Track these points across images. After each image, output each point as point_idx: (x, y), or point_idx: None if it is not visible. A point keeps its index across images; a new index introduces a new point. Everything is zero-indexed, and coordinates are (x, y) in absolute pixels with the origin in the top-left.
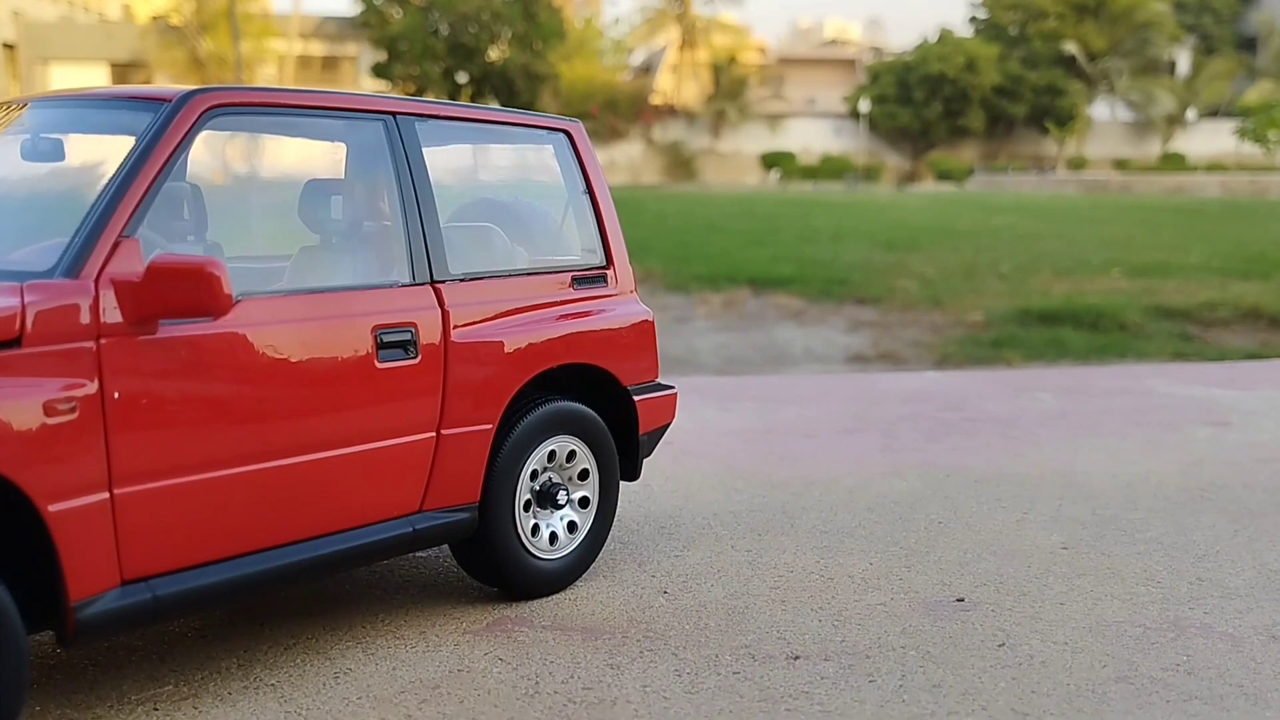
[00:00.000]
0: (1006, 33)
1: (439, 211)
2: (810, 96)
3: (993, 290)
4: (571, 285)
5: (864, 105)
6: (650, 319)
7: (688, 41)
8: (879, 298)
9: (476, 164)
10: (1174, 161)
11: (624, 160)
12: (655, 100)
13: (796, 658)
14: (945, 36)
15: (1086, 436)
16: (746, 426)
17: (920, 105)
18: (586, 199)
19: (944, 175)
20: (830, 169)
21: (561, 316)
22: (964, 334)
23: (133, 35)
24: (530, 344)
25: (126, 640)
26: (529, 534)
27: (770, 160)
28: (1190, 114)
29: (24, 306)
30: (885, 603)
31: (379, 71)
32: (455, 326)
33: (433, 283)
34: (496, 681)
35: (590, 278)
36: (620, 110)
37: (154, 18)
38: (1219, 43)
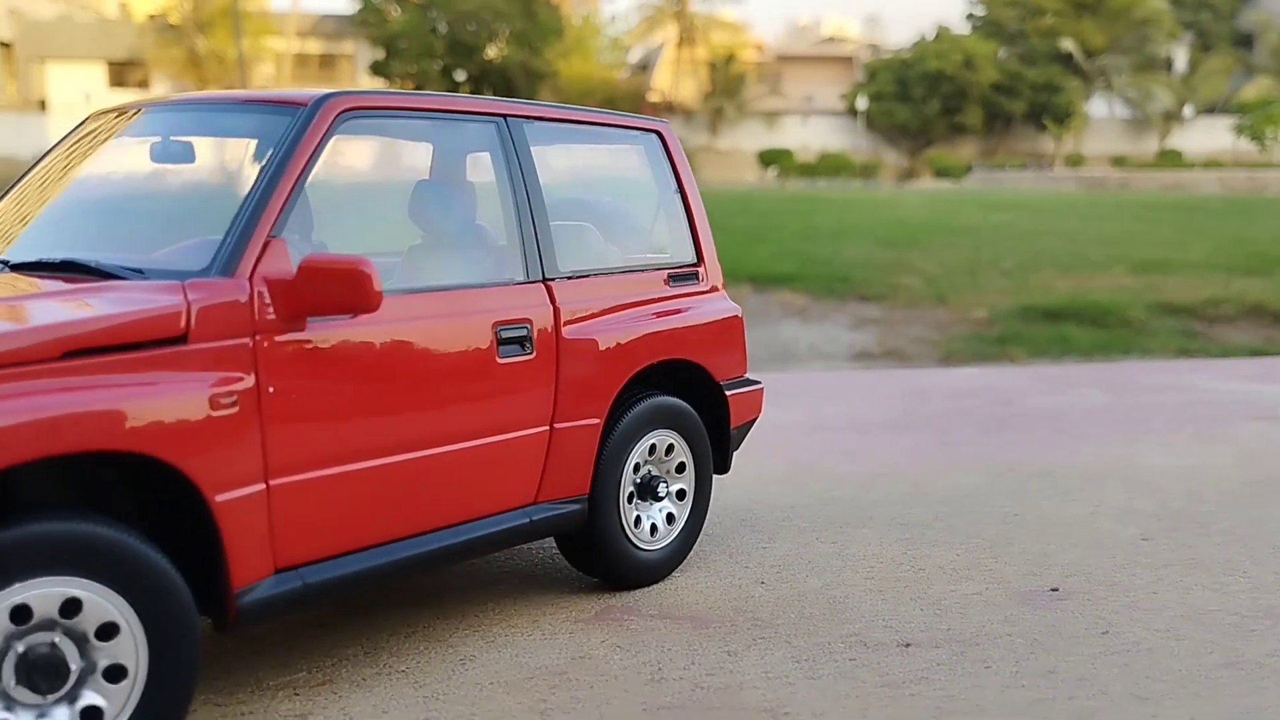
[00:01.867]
0: (1004, 30)
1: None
2: (808, 94)
3: (996, 287)
4: (667, 282)
5: (862, 103)
6: (739, 315)
7: (685, 39)
8: (882, 295)
9: (575, 164)
10: (1171, 158)
11: None
12: (653, 98)
13: (908, 645)
14: (943, 34)
15: (1138, 431)
16: (795, 422)
17: (918, 103)
18: (677, 197)
19: (942, 172)
20: (828, 166)
21: (660, 313)
22: (969, 331)
23: (130, 33)
24: (634, 340)
25: (248, 631)
26: (632, 525)
27: (768, 158)
28: (1187, 111)
29: (189, 304)
30: (980, 592)
31: (377, 69)
32: (566, 323)
33: (544, 280)
34: (620, 668)
35: (684, 275)
36: (618, 108)
37: (151, 16)
38: (1216, 39)
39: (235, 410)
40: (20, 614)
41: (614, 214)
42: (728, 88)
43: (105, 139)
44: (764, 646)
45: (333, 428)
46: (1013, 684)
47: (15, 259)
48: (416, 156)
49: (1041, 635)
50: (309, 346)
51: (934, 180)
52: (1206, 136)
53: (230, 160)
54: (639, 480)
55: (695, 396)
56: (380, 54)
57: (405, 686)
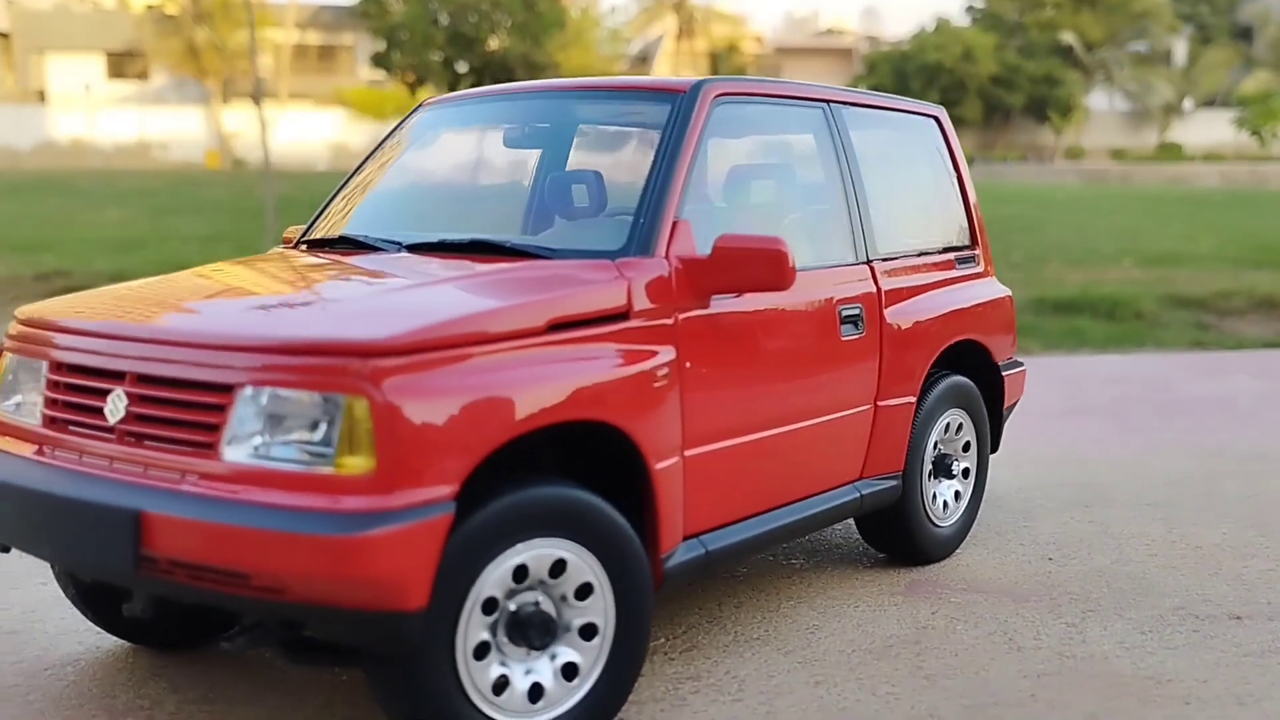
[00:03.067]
0: (1003, 22)
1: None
2: None
3: (1006, 279)
4: (954, 265)
5: None
6: (1011, 296)
7: (685, 30)
8: None
9: (878, 148)
10: (1171, 151)
11: None
12: None
13: (1239, 618)
14: (942, 26)
15: None
16: None
17: (917, 95)
18: (955, 181)
19: None
20: None
21: (955, 295)
22: None
23: (128, 24)
24: (940, 320)
25: None
26: (930, 502)
27: None
28: (1187, 104)
29: (629, 282)
30: (1274, 569)
31: (378, 61)
32: (886, 305)
33: (868, 261)
34: (970, 638)
35: (966, 257)
36: None
37: (149, 6)
38: (1215, 32)
39: (666, 384)
40: (519, 573)
41: (909, 197)
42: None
43: (446, 127)
44: (1098, 619)
45: (728, 402)
46: None
47: (407, 240)
48: (771, 140)
49: None
50: (713, 323)
51: None
52: (1206, 130)
53: (601, 146)
54: (935, 458)
55: (977, 376)
56: (381, 45)
57: (770, 651)
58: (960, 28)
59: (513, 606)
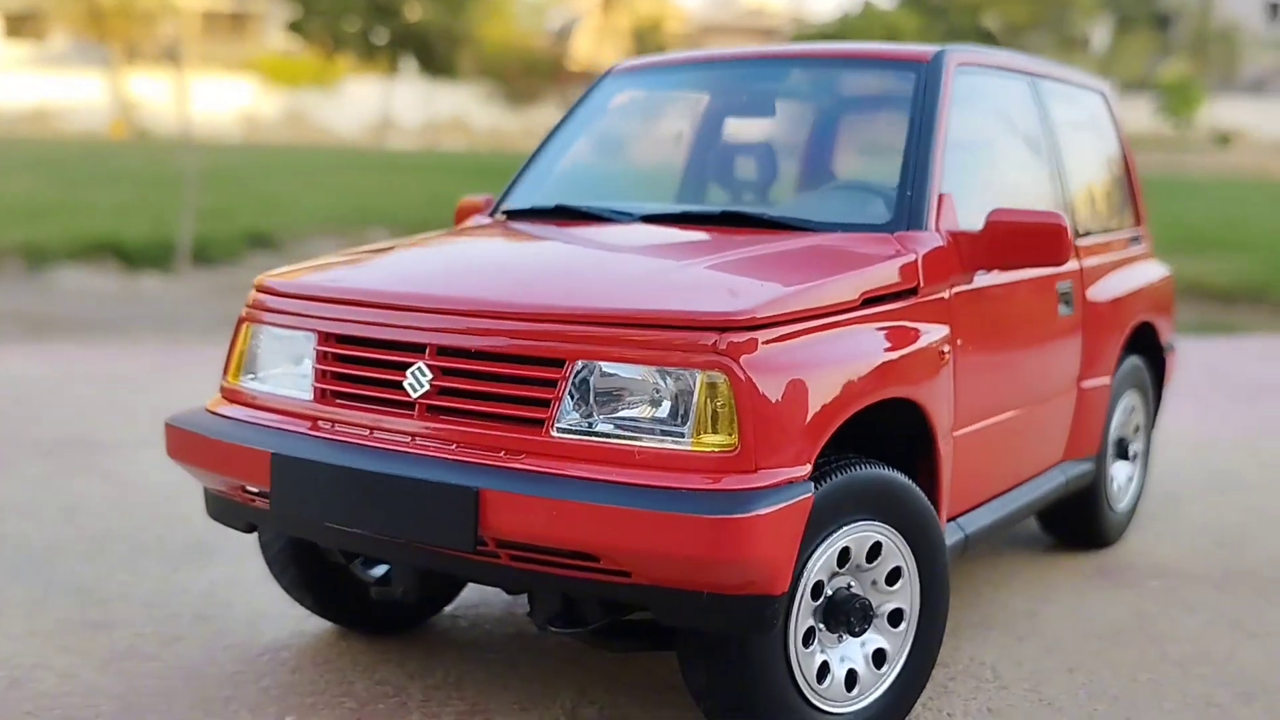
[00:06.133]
0: (928, 5)
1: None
2: None
3: None
4: (1128, 244)
5: None
6: (1172, 277)
7: (608, 5)
8: None
9: (1069, 124)
10: None
11: (543, 126)
12: (574, 66)
13: None
14: (867, 8)
15: None
16: None
17: None
18: (1122, 158)
19: None
20: None
21: (1135, 275)
22: None
23: None
24: (1128, 300)
25: None
26: (1108, 485)
27: None
28: None
29: (917, 256)
30: None
31: (295, 28)
32: (1086, 284)
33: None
34: (1198, 625)
35: (1135, 237)
36: (537, 75)
37: None
38: (1135, 20)
39: (947, 361)
40: (842, 557)
41: (1093, 173)
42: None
43: (642, 92)
44: None
45: (986, 381)
46: None
47: (638, 211)
48: (995, 112)
49: None
50: (977, 300)
51: None
52: (1126, 116)
53: (834, 115)
54: (1117, 439)
55: (1146, 358)
56: (296, 13)
57: (1002, 637)
58: (885, 10)
59: (830, 591)
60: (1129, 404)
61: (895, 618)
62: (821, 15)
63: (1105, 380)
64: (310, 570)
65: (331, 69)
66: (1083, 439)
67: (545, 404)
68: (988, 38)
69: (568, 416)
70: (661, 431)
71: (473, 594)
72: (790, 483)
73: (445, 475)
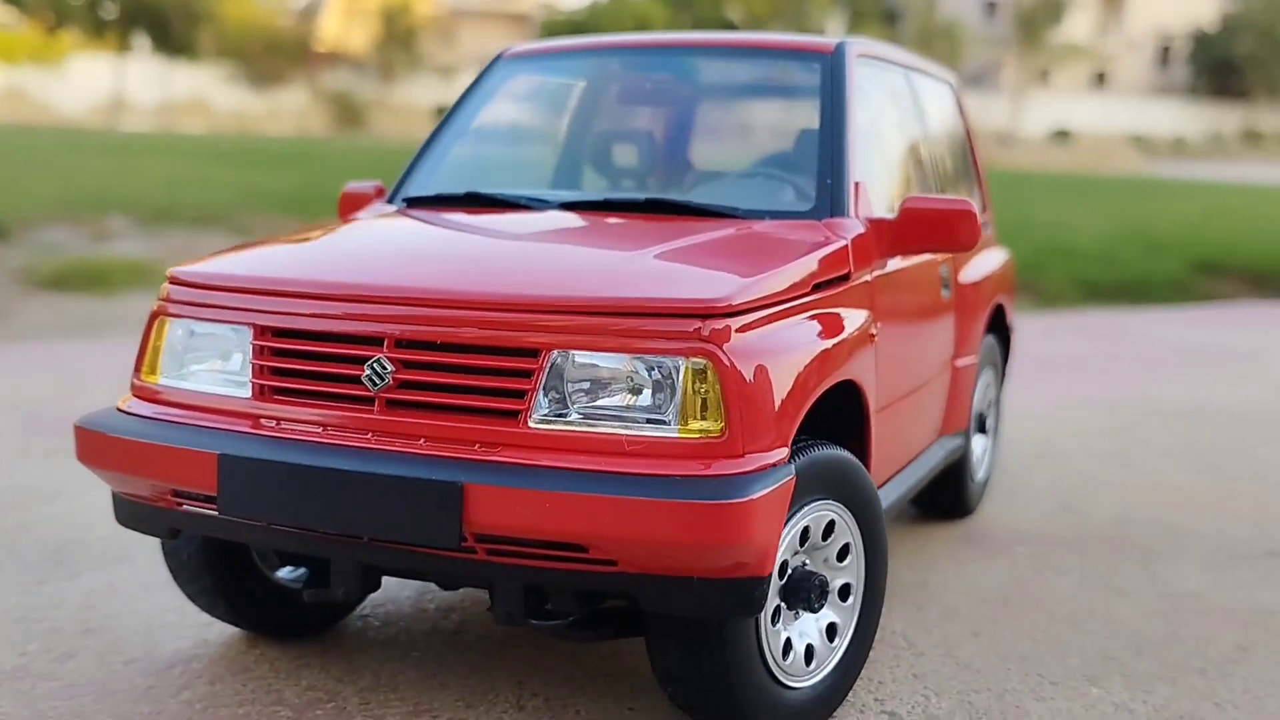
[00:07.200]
0: None
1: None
2: (484, 50)
3: None
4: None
5: None
6: (1013, 260)
7: None
8: None
9: (934, 113)
10: None
11: (289, 109)
12: (320, 47)
13: (1272, 553)
14: None
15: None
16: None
17: None
18: (968, 145)
19: None
20: None
21: (990, 259)
22: None
23: None
24: (988, 282)
25: None
26: (972, 456)
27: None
28: None
29: (848, 242)
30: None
31: (10, 1)
32: (959, 268)
33: None
34: (1072, 587)
35: (985, 223)
36: (281, 56)
37: None
38: (866, 14)
39: (874, 343)
40: (804, 535)
41: (951, 161)
42: (401, 39)
43: (535, 78)
44: (1161, 562)
45: (894, 362)
46: None
47: (559, 199)
48: (884, 102)
49: None
50: (889, 285)
51: None
52: None
53: (734, 104)
54: (977, 414)
55: (995, 337)
56: None
57: (903, 605)
58: (634, 0)
59: (791, 570)
60: (986, 380)
61: (844, 592)
62: (571, 3)
63: (974, 359)
64: (225, 576)
65: (55, 45)
66: (956, 415)
67: (520, 395)
68: (731, 28)
69: (545, 407)
70: (646, 420)
71: (379, 593)
72: (775, 466)
73: (424, 471)
